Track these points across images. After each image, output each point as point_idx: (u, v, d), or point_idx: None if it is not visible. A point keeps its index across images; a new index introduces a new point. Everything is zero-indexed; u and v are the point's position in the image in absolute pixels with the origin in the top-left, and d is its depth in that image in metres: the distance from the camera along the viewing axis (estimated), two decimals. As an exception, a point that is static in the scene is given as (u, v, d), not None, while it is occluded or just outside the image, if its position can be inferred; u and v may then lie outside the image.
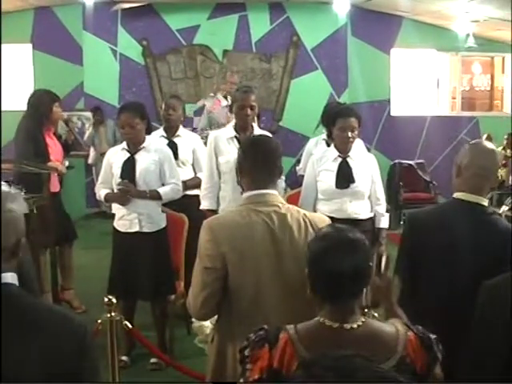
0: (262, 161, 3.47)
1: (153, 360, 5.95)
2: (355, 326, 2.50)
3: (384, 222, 6.09)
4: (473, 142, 3.97)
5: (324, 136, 7.29)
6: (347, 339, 2.47)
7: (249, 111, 5.97)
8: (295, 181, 7.94)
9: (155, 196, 6.00)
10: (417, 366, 2.48)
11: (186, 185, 6.86)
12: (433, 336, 2.57)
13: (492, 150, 3.71)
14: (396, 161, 14.10)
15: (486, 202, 3.63)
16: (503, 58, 15.43)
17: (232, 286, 3.33)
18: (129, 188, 5.90)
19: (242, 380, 2.55)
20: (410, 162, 14.14)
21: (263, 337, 2.54)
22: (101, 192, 6.16)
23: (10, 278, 2.22)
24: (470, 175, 3.62)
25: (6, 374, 2.06)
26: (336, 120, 5.97)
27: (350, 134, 5.86)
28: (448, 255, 3.58)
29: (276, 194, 3.47)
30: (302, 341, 2.48)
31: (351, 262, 2.50)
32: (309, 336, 2.51)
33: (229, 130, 6.17)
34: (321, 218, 3.56)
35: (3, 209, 2.20)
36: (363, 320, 2.52)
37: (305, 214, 3.46)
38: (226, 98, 9.48)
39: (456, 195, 3.68)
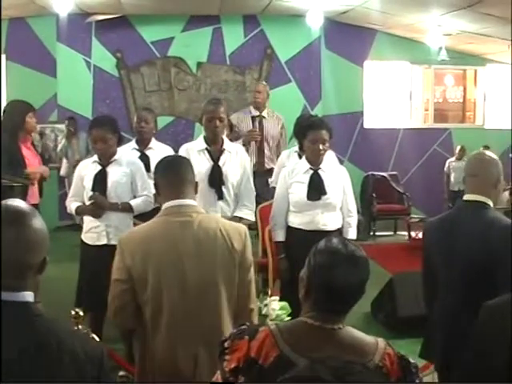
0: (171, 175, 3.65)
1: (121, 373, 5.90)
2: (336, 327, 2.52)
3: (351, 233, 6.13)
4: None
5: (296, 148, 7.31)
6: (327, 338, 2.51)
7: (218, 123, 5.99)
8: (267, 193, 7.95)
9: (127, 208, 6.00)
10: (392, 378, 2.50)
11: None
12: (413, 361, 2.59)
13: (485, 158, 4.06)
14: (369, 172, 14.18)
15: (489, 202, 3.92)
16: (475, 71, 15.57)
17: (139, 297, 3.43)
18: (101, 202, 5.90)
19: (218, 372, 2.59)
20: (384, 174, 14.23)
21: (243, 330, 2.58)
22: (72, 205, 6.14)
23: (31, 297, 2.23)
24: (467, 178, 4.05)
25: None
26: (307, 132, 6.03)
27: (320, 147, 5.90)
28: (456, 255, 3.87)
29: (192, 204, 3.58)
30: (283, 334, 2.51)
31: (355, 279, 2.53)
32: (290, 331, 2.54)
33: (200, 143, 6.18)
34: (235, 227, 3.68)
35: (31, 225, 2.21)
36: (344, 325, 2.55)
37: (217, 223, 3.58)
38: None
39: (463, 197, 4.07)
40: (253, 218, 6.52)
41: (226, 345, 2.60)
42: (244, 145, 8.41)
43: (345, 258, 2.54)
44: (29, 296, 2.21)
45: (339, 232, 6.07)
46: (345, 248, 2.57)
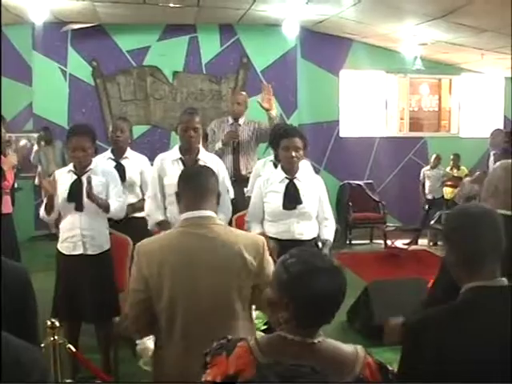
0: (193, 185, 3.64)
1: (98, 382, 5.91)
2: (316, 341, 2.52)
3: (327, 234, 6.13)
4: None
5: (272, 158, 7.32)
6: (307, 352, 2.49)
7: (192, 133, 6.00)
8: (243, 203, 7.95)
9: (104, 205, 5.94)
10: None
11: (134, 207, 6.88)
12: (391, 368, 2.60)
13: None
14: (345, 181, 14.24)
15: None
16: (450, 80, 15.67)
17: (156, 306, 3.45)
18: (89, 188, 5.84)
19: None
20: (359, 183, 14.30)
21: (222, 345, 2.58)
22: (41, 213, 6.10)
23: None
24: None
25: None
26: (280, 140, 6.05)
27: (293, 154, 5.92)
28: None
29: (210, 216, 3.56)
30: (262, 350, 2.50)
31: (333, 290, 2.52)
32: (269, 347, 2.53)
33: (174, 152, 6.19)
34: (253, 239, 3.65)
35: None
36: (324, 338, 2.55)
37: (236, 236, 3.56)
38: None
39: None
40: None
41: (207, 359, 2.60)
42: (224, 144, 8.48)
43: (322, 269, 2.52)
44: None
45: (314, 241, 6.09)
46: (318, 259, 2.57)
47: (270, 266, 3.54)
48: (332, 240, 6.15)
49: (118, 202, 6.07)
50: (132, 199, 6.96)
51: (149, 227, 6.22)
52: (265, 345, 2.55)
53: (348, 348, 2.59)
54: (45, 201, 6.00)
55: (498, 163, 4.26)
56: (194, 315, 3.41)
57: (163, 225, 6.02)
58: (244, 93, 9.70)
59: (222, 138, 8.71)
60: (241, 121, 9.08)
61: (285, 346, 2.52)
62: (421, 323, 2.73)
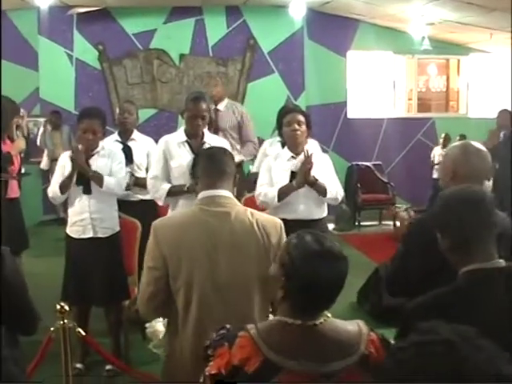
0: (211, 165, 3.64)
1: (108, 367, 5.90)
2: (317, 322, 2.50)
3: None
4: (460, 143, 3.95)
5: (279, 138, 7.30)
6: (310, 335, 2.48)
7: (200, 121, 5.93)
8: (252, 184, 7.93)
9: (97, 178, 5.89)
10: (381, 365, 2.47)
11: (138, 180, 6.88)
12: (392, 341, 2.58)
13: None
14: (354, 163, 14.19)
15: None
16: (458, 60, 15.58)
17: (172, 285, 3.42)
18: (79, 157, 5.83)
19: (202, 376, 2.58)
20: (368, 164, 14.25)
21: (223, 336, 2.56)
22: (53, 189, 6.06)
23: None
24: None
25: None
26: (283, 119, 6.10)
27: (296, 127, 5.92)
28: None
29: (228, 196, 3.56)
30: (264, 339, 2.48)
31: (335, 274, 2.50)
32: (271, 333, 2.52)
33: (180, 135, 6.12)
34: (271, 221, 3.62)
35: None
36: (325, 318, 2.53)
37: (253, 216, 3.53)
38: None
39: None
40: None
41: (209, 352, 2.58)
42: None
43: (321, 254, 2.51)
44: None
45: (323, 221, 6.06)
46: (320, 244, 2.55)
47: None
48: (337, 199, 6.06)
49: (114, 178, 6.02)
50: (138, 175, 6.97)
51: (161, 203, 6.15)
52: (266, 331, 2.53)
53: (351, 326, 2.58)
54: (64, 178, 5.93)
55: (454, 144, 4.09)
56: (210, 296, 3.40)
57: (178, 188, 5.91)
58: (218, 79, 9.73)
59: None
60: (220, 106, 9.05)
61: (286, 331, 2.51)
62: (418, 308, 2.71)
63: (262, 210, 6.60)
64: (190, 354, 3.39)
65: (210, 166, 3.64)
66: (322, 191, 5.81)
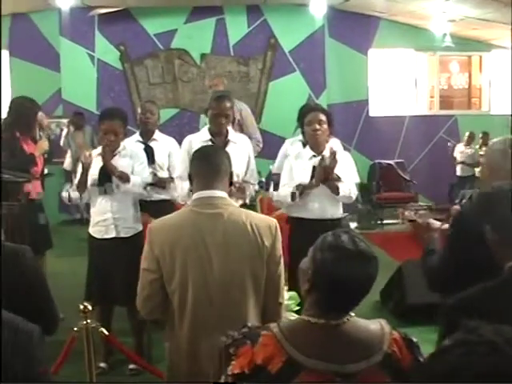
0: (205, 165, 3.60)
1: (131, 366, 5.92)
2: (340, 322, 2.49)
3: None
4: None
5: (300, 137, 7.29)
6: (333, 335, 2.46)
7: (223, 120, 5.97)
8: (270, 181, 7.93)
9: (124, 177, 5.93)
10: (404, 364, 2.46)
11: (159, 179, 6.89)
12: (415, 339, 2.57)
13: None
14: (376, 161, 14.15)
15: None
16: (480, 57, 15.50)
17: (167, 287, 3.45)
18: (107, 158, 5.89)
19: (223, 376, 2.57)
20: (390, 162, 14.20)
21: (245, 334, 2.55)
22: (73, 193, 6.10)
23: None
24: None
25: None
26: (304, 118, 6.05)
27: (317, 126, 5.88)
28: None
29: (222, 196, 3.54)
30: (288, 338, 2.46)
31: (363, 277, 2.48)
32: (294, 333, 2.49)
33: (204, 134, 6.15)
34: (265, 221, 3.62)
35: None
36: (348, 317, 2.52)
37: (247, 216, 3.52)
38: None
39: None
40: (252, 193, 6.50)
41: (231, 351, 2.57)
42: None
43: (353, 256, 2.47)
44: None
45: (343, 220, 6.05)
46: (354, 245, 2.52)
47: (281, 249, 3.58)
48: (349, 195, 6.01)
49: (137, 177, 6.03)
50: (159, 175, 6.99)
51: (182, 202, 6.19)
52: (289, 330, 2.51)
53: (374, 325, 2.56)
54: (77, 179, 5.99)
55: (496, 139, 4.07)
56: (204, 296, 3.41)
57: None
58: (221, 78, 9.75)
59: None
60: None
61: (309, 330, 2.49)
62: (460, 304, 2.68)
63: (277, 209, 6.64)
64: (187, 353, 3.44)
65: (203, 166, 3.60)
66: (334, 189, 5.78)
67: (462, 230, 3.54)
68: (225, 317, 3.35)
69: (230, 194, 5.87)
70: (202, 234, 3.41)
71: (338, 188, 5.78)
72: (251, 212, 3.69)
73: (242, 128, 8.90)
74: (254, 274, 3.46)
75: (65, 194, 6.12)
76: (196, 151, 3.82)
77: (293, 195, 5.82)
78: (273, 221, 3.62)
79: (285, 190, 5.92)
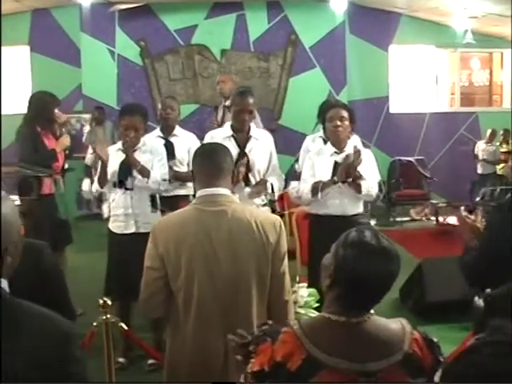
0: (207, 162, 3.58)
1: (150, 361, 5.93)
2: (361, 320, 2.48)
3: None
4: None
5: (321, 133, 7.27)
6: (353, 333, 2.46)
7: (247, 116, 5.96)
8: (294, 179, 7.92)
9: (145, 172, 5.94)
10: (425, 364, 2.47)
11: (178, 174, 6.90)
12: (435, 339, 2.56)
13: None
14: (396, 158, 14.10)
15: None
16: (502, 54, 15.42)
17: (172, 285, 3.43)
18: (129, 151, 5.91)
19: (242, 375, 2.57)
20: (410, 159, 14.14)
21: (265, 331, 2.55)
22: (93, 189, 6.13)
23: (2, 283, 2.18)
24: None
25: None
26: (326, 114, 6.02)
27: (338, 123, 5.84)
28: None
29: (226, 194, 3.53)
30: (307, 335, 2.46)
31: (385, 274, 2.48)
32: (314, 330, 2.49)
33: (226, 130, 6.16)
34: (269, 218, 3.61)
35: None
36: (369, 316, 2.51)
37: (251, 214, 3.52)
38: None
39: None
40: (277, 192, 6.45)
41: (251, 348, 2.57)
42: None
43: (376, 252, 2.46)
44: None
45: (363, 217, 6.03)
46: (377, 242, 2.51)
47: (285, 246, 3.57)
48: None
49: (156, 172, 6.03)
50: (179, 170, 7.00)
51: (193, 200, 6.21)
52: (309, 327, 2.51)
53: (395, 324, 2.55)
54: (98, 173, 6.02)
55: None
56: (210, 294, 3.40)
57: None
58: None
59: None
60: (228, 102, 9.05)
61: (330, 328, 2.49)
62: (503, 297, 2.68)
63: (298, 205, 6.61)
64: (191, 350, 3.43)
65: (206, 164, 3.58)
66: (356, 188, 5.76)
67: (499, 222, 3.55)
68: (229, 314, 3.37)
69: (253, 192, 5.92)
70: (207, 231, 3.40)
71: (360, 186, 5.76)
72: (256, 209, 3.71)
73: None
74: (258, 271, 3.45)
75: (85, 189, 6.13)
76: (198, 149, 3.82)
77: (313, 192, 5.81)
78: (277, 218, 3.62)
79: (305, 187, 5.90)
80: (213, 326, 3.39)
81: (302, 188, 5.96)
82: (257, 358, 2.50)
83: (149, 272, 3.46)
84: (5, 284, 2.19)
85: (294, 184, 6.10)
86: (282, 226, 3.58)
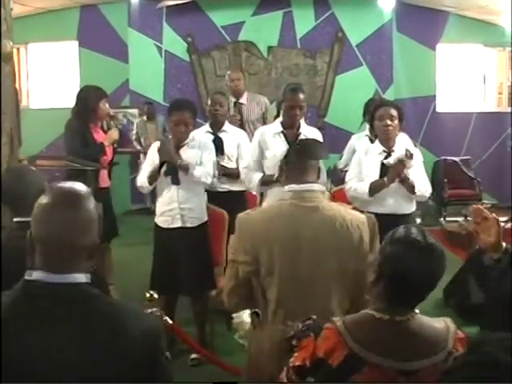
0: (304, 158, 3.59)
1: (193, 355, 5.97)
2: (405, 318, 2.48)
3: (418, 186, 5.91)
4: None
5: (367, 132, 7.26)
6: (397, 331, 2.47)
7: (298, 111, 6.01)
8: (339, 178, 7.91)
9: (185, 167, 5.95)
10: None
11: (228, 169, 6.94)
12: None
13: None
14: (441, 157, 13.99)
15: None
16: (551, 53, 15.22)
17: (262, 279, 3.42)
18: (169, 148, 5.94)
19: (285, 368, 2.59)
20: (455, 159, 14.01)
21: (309, 326, 2.56)
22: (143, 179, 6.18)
23: (83, 278, 2.21)
24: None
25: (80, 373, 2.07)
26: (375, 112, 6.02)
27: (388, 122, 5.86)
28: None
29: (319, 190, 3.54)
30: (350, 332, 2.48)
31: (430, 272, 2.48)
32: (357, 327, 2.51)
33: (276, 126, 6.22)
34: (358, 217, 3.59)
35: (83, 207, 2.21)
36: (413, 314, 2.51)
37: (341, 211, 3.50)
38: None
39: None
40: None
41: (293, 343, 2.58)
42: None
43: (422, 250, 2.47)
44: (81, 278, 2.19)
45: (412, 215, 6.03)
46: (424, 239, 2.51)
47: (368, 245, 3.54)
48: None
49: (202, 168, 6.06)
50: (228, 166, 7.02)
51: (254, 192, 6.25)
52: (352, 324, 2.52)
53: (438, 323, 2.55)
54: (152, 168, 6.05)
55: None
56: (290, 290, 3.39)
57: (269, 178, 6.01)
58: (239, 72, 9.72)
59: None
60: (242, 99, 9.02)
61: (373, 325, 2.49)
62: None
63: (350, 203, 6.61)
64: (277, 345, 3.34)
65: (302, 160, 3.58)
66: (411, 189, 5.75)
67: None
68: (309, 311, 3.24)
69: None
70: (296, 227, 3.39)
71: (413, 187, 5.75)
72: (346, 207, 3.67)
73: (265, 121, 8.90)
74: (343, 269, 3.43)
75: (139, 183, 6.19)
76: (293, 145, 3.89)
77: (371, 192, 5.81)
78: (363, 217, 3.61)
79: (362, 186, 5.90)
80: (290, 321, 3.36)
81: (357, 187, 5.95)
82: (299, 353, 2.52)
83: (232, 265, 3.49)
84: (85, 278, 2.22)
85: (350, 183, 6.09)
86: (376, 224, 3.61)
